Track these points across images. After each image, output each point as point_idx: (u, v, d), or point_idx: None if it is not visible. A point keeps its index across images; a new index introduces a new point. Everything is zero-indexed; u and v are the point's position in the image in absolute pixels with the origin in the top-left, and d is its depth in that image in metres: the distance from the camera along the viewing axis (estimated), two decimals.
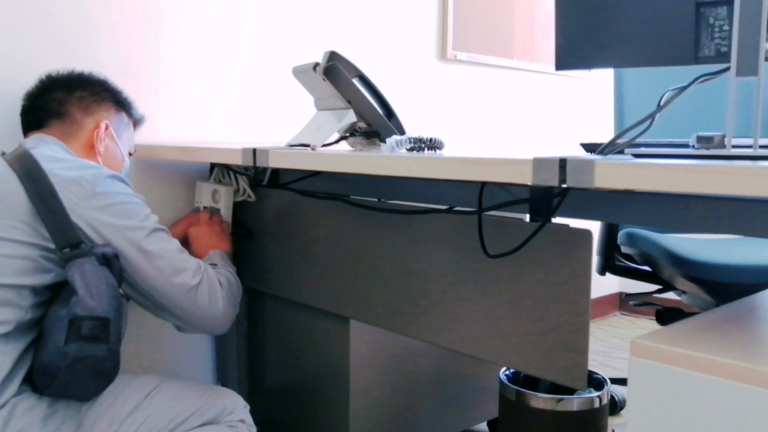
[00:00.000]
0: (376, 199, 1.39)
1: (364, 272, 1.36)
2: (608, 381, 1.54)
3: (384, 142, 1.18)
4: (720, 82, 0.99)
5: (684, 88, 0.90)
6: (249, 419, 1.35)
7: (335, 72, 1.17)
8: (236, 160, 1.30)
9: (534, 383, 1.61)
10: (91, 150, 1.34)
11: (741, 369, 0.69)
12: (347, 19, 2.14)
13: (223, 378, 1.87)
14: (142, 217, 1.22)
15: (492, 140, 2.66)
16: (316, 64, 1.19)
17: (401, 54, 2.31)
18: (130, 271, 1.20)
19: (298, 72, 1.24)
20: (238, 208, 1.65)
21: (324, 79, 1.18)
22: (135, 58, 1.68)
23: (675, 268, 1.54)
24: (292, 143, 1.25)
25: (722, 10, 0.84)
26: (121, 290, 1.17)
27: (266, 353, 1.74)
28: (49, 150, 1.22)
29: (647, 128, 0.90)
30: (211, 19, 1.82)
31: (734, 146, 0.83)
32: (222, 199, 1.61)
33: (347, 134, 1.26)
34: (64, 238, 1.11)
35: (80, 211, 1.14)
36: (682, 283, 1.60)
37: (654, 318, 1.75)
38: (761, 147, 0.81)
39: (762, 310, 0.89)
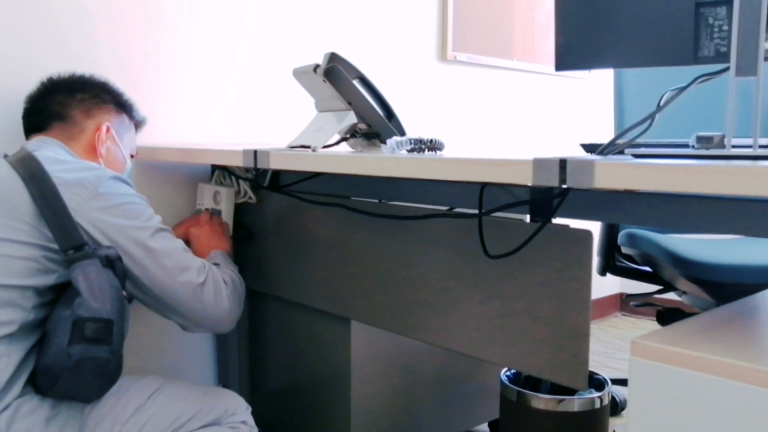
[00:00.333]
0: (376, 200, 1.39)
1: (365, 273, 1.36)
2: (609, 382, 1.54)
3: (384, 143, 1.19)
4: (720, 82, 1.00)
5: (684, 88, 0.91)
6: (251, 420, 1.36)
7: (336, 73, 1.17)
8: (237, 162, 1.30)
9: (535, 384, 1.61)
10: (92, 152, 1.35)
11: (742, 369, 0.69)
12: (347, 20, 2.14)
13: (224, 379, 1.87)
14: (146, 217, 1.22)
15: (492, 141, 2.66)
16: (317, 66, 1.19)
17: (401, 55, 2.31)
18: (135, 270, 1.20)
19: (299, 73, 1.24)
20: (239, 209, 1.66)
21: (324, 81, 1.18)
22: (135, 59, 1.68)
23: (675, 268, 1.54)
24: (293, 145, 1.26)
25: (721, 10, 0.85)
26: (125, 291, 1.17)
27: (267, 354, 1.74)
28: (51, 152, 1.23)
29: (647, 128, 0.90)
30: (212, 19, 1.82)
31: (734, 146, 0.83)
32: (223, 200, 1.62)
33: (348, 136, 1.26)
34: (68, 239, 1.11)
35: (84, 213, 1.14)
36: (682, 283, 1.60)
37: (655, 319, 1.75)
38: (761, 147, 0.81)
39: (762, 310, 0.89)
